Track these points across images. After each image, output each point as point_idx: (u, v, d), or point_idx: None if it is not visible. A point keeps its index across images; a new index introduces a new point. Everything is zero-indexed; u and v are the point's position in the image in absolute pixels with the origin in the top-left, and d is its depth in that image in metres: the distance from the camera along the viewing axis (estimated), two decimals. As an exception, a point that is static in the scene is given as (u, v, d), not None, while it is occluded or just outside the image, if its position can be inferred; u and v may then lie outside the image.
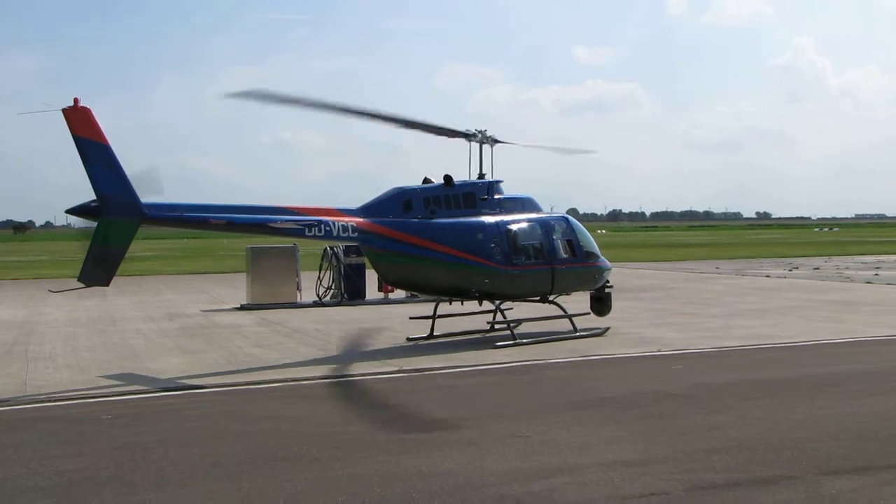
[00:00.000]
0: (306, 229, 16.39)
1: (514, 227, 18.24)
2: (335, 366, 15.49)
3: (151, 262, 52.59)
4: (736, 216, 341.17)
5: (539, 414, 11.31)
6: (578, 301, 20.20)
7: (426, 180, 18.36)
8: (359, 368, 15.16)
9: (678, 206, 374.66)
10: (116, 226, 14.34)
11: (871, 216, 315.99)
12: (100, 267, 14.53)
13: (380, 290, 27.18)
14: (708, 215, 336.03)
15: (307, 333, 20.17)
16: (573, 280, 18.93)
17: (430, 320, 18.67)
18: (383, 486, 8.25)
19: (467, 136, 18.70)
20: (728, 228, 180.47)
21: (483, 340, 18.19)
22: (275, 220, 16.21)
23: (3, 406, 12.38)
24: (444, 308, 19.06)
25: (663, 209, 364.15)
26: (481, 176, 18.94)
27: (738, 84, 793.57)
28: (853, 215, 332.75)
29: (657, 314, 22.91)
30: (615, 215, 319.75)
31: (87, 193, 14.22)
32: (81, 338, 19.80)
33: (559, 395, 12.73)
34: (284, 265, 27.40)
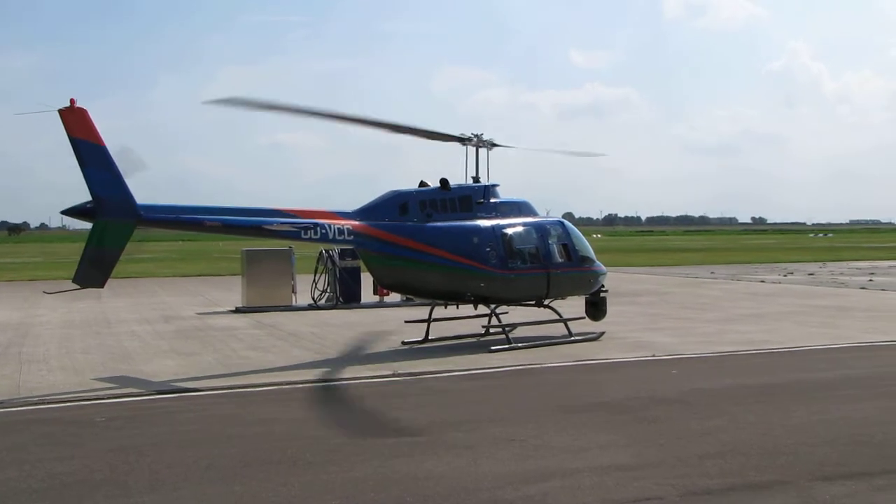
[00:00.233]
0: (302, 232, 16.38)
1: (509, 230, 18.25)
2: (330, 369, 15.48)
3: (147, 264, 52.51)
4: (731, 221, 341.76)
5: (534, 418, 11.31)
6: (574, 305, 20.21)
7: (422, 183, 18.36)
8: (353, 372, 15.15)
9: (674, 211, 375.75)
10: (112, 227, 14.31)
11: (866, 222, 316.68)
12: (95, 268, 14.51)
13: (375, 293, 27.16)
14: (703, 220, 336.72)
15: (302, 337, 20.15)
16: (569, 284, 18.95)
17: (426, 324, 18.67)
18: (378, 490, 8.24)
19: (462, 140, 18.68)
20: (723, 233, 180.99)
21: (478, 344, 18.18)
22: (270, 223, 16.21)
23: (-4, 408, 12.34)
24: (439, 312, 19.06)
25: (659, 214, 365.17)
26: (477, 179, 18.94)
27: (734, 88, 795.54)
28: (848, 221, 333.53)
29: (652, 319, 22.94)
30: (611, 220, 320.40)
31: (83, 195, 14.23)
32: (76, 340, 19.76)
33: (554, 399, 12.73)
34: (280, 268, 27.39)
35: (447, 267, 17.46)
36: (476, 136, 18.79)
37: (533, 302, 18.84)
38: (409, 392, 13.56)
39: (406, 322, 19.66)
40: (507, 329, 18.13)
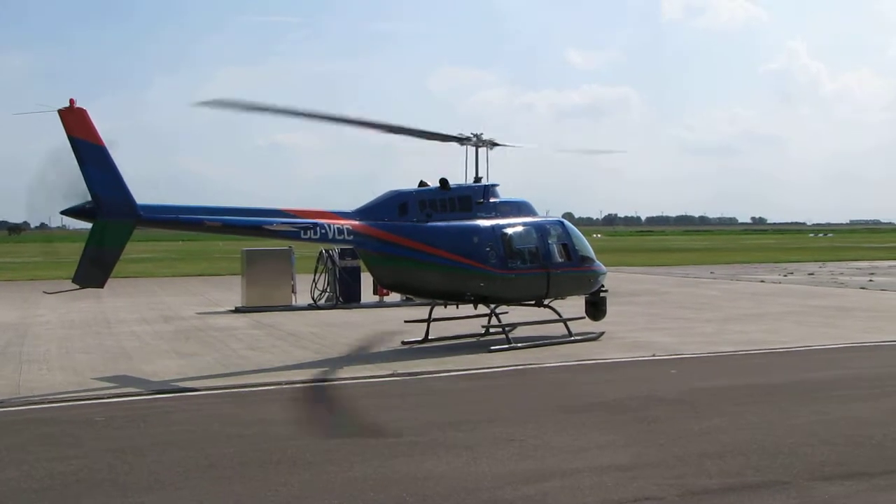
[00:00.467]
0: (301, 232, 16.39)
1: (509, 230, 18.26)
2: (329, 369, 15.48)
3: (146, 264, 52.52)
4: (731, 221, 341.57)
5: (533, 418, 11.32)
6: (574, 305, 20.21)
7: (422, 183, 18.36)
8: (353, 372, 15.15)
9: (673, 211, 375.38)
10: (112, 227, 14.31)
11: (866, 222, 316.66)
12: (95, 268, 14.51)
13: (375, 293, 27.17)
14: (703, 220, 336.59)
15: (302, 336, 20.16)
16: (568, 284, 18.96)
17: (426, 324, 18.67)
18: (377, 490, 8.25)
19: (459, 140, 18.66)
20: (723, 233, 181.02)
21: (478, 344, 18.19)
22: (270, 223, 16.21)
23: (-4, 408, 12.35)
24: (439, 312, 19.06)
25: (659, 214, 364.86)
26: (477, 179, 18.93)
27: (733, 88, 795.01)
28: (848, 221, 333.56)
29: (652, 319, 22.95)
30: (611, 219, 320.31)
31: (82, 195, 14.20)
32: (76, 340, 19.77)
33: (553, 399, 12.74)
34: (280, 268, 27.39)
35: (447, 267, 17.47)
36: (475, 135, 18.77)
37: (533, 302, 18.85)
38: (408, 392, 13.56)
39: (406, 322, 19.67)
40: (506, 329, 18.14)
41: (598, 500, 7.93)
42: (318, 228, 16.47)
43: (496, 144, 19.09)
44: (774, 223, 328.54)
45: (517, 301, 18.81)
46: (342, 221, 16.90)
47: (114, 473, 8.97)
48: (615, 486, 8.28)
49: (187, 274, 45.08)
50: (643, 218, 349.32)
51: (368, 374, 14.87)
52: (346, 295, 27.71)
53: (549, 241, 18.71)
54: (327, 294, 27.85)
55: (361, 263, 22.18)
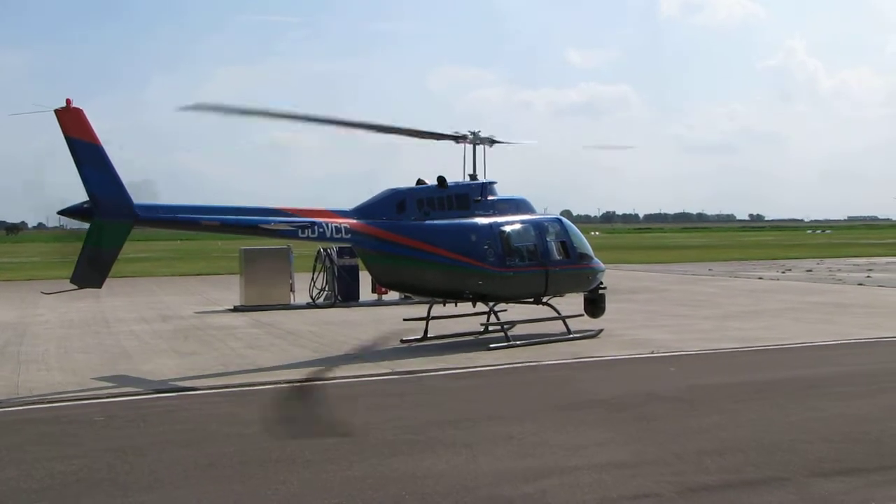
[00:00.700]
0: (299, 231, 16.39)
1: (507, 228, 18.26)
2: (328, 368, 15.48)
3: (144, 264, 52.48)
4: (729, 218, 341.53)
5: (532, 415, 11.33)
6: (572, 303, 20.23)
7: (420, 181, 18.35)
8: (352, 370, 15.16)
9: (671, 209, 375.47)
10: (109, 227, 14.30)
11: (864, 218, 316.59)
12: (93, 268, 14.50)
13: (373, 291, 27.18)
14: (701, 217, 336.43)
15: (301, 335, 20.17)
16: (567, 282, 18.96)
17: (424, 322, 18.68)
18: (376, 489, 8.26)
19: (455, 138, 18.64)
20: (721, 230, 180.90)
21: (477, 342, 18.20)
22: (268, 222, 16.21)
23: (-5, 408, 12.35)
24: (437, 310, 19.07)
25: (657, 211, 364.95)
26: (472, 177, 18.92)
27: (731, 86, 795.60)
28: (846, 217, 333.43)
29: (650, 316, 22.96)
30: (609, 217, 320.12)
31: (80, 194, 14.22)
32: (74, 339, 19.77)
33: (552, 396, 12.76)
34: (278, 267, 27.38)
35: (445, 265, 17.47)
36: (473, 133, 18.75)
37: (531, 299, 18.86)
38: (407, 390, 13.57)
39: (404, 320, 19.68)
40: (505, 327, 18.15)
41: (597, 497, 7.95)
42: (315, 227, 16.47)
43: (495, 142, 19.03)
44: (772, 220, 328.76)
45: (516, 299, 18.81)
46: (340, 220, 16.90)
47: (113, 473, 8.98)
48: (614, 484, 8.30)
49: (186, 273, 45.06)
50: (641, 215, 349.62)
51: (367, 373, 14.88)
52: (344, 293, 27.71)
53: (548, 239, 18.71)
54: (326, 293, 27.85)
55: (360, 262, 22.21)
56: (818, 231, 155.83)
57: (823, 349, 17.09)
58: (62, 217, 14.89)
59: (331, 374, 14.85)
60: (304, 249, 29.91)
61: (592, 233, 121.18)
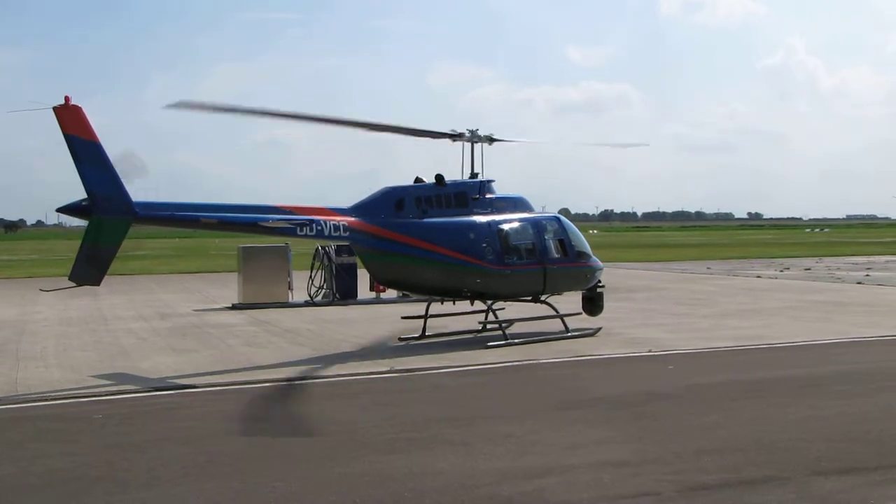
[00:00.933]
0: (298, 229, 16.38)
1: (505, 226, 18.26)
2: (326, 365, 15.48)
3: (143, 262, 52.44)
4: (728, 217, 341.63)
5: (530, 414, 11.33)
6: (570, 301, 20.23)
7: (418, 180, 18.35)
8: (350, 368, 15.16)
9: (670, 207, 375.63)
10: (108, 225, 14.29)
11: (862, 217, 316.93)
12: (91, 266, 14.48)
13: (371, 289, 27.18)
14: (699, 216, 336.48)
15: (299, 333, 20.16)
16: (565, 280, 18.95)
17: (422, 320, 18.67)
18: (374, 486, 8.25)
19: (452, 136, 18.61)
20: (719, 229, 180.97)
21: (475, 340, 18.20)
22: (266, 220, 16.21)
23: (-7, 405, 12.34)
24: (435, 308, 19.05)
25: (655, 209, 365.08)
26: (473, 175, 18.91)
27: (731, 84, 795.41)
28: (844, 216, 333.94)
29: (648, 314, 22.96)
30: (607, 215, 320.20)
31: (79, 192, 14.21)
32: (73, 337, 19.75)
33: (550, 395, 12.75)
34: (276, 265, 27.37)
35: (443, 263, 17.47)
36: (471, 131, 18.72)
37: (529, 298, 18.85)
38: (405, 388, 13.57)
39: (402, 318, 19.68)
40: (503, 325, 18.15)
41: (596, 496, 7.94)
42: (314, 225, 16.46)
43: (495, 140, 18.99)
44: (771, 218, 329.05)
45: (514, 297, 18.81)
46: (338, 218, 16.89)
47: (112, 470, 8.97)
48: (613, 483, 8.29)
49: (184, 271, 45.05)
50: (639, 214, 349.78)
51: (365, 371, 14.87)
52: (342, 291, 27.69)
53: (546, 237, 18.71)
54: (324, 290, 27.84)
55: (358, 260, 22.20)
56: (817, 230, 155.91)
57: (822, 348, 17.09)
58: (61, 214, 14.88)
59: (329, 372, 14.85)
60: (302, 247, 29.91)
61: (591, 231, 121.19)
